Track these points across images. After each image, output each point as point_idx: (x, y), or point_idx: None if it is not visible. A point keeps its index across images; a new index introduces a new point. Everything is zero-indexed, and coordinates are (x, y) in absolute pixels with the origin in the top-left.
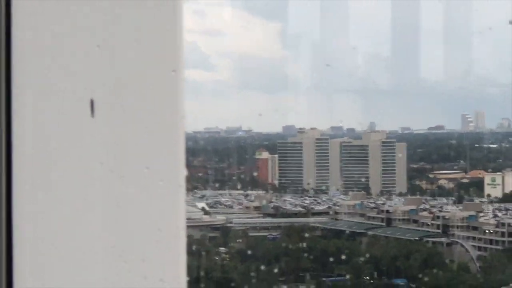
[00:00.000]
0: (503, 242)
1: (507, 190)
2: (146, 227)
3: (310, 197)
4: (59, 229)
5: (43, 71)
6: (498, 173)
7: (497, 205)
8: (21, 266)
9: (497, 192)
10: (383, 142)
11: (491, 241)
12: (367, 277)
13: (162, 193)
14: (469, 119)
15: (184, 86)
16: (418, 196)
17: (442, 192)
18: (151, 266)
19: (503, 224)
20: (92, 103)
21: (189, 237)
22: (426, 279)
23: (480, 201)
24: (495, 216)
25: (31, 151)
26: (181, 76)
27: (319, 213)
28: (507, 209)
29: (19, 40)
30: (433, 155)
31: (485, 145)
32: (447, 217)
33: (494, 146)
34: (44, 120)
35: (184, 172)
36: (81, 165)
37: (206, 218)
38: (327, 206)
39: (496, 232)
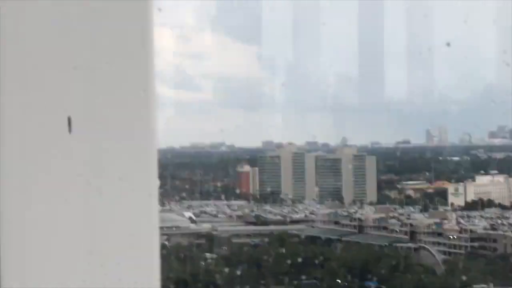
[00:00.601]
0: (466, 246)
1: (468, 199)
2: (120, 233)
3: (288, 206)
4: (42, 236)
5: (24, 91)
6: (460, 183)
7: (460, 212)
8: (7, 268)
9: (459, 201)
10: (355, 156)
11: (454, 246)
12: (341, 280)
13: (135, 202)
14: (433, 134)
15: (154, 104)
16: (387, 205)
17: (409, 201)
18: (126, 269)
19: (465, 230)
20: (69, 120)
21: (177, 244)
22: (395, 281)
23: (444, 209)
24: (458, 222)
25: (15, 163)
26: (152, 94)
27: (296, 221)
28: (469, 216)
29: (1, 61)
30: (401, 167)
31: (448, 158)
32: (414, 224)
33: (456, 158)
34: (26, 135)
35: (156, 182)
36: (61, 177)
37: (193, 226)
38: (303, 214)
39: (460, 237)
